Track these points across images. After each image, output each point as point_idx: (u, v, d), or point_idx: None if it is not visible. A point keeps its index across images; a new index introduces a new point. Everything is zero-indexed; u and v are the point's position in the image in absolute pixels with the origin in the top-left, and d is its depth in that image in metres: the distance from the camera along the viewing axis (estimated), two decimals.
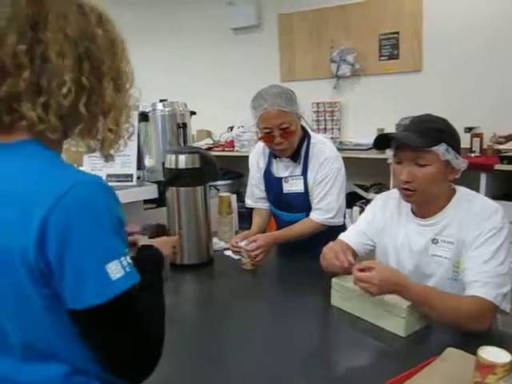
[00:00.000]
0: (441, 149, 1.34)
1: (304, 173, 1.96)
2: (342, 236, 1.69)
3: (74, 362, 0.82)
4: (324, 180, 1.93)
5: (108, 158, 0.93)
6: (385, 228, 1.59)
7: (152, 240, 1.20)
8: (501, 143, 3.26)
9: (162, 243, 1.24)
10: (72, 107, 0.80)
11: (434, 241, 1.44)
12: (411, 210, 1.52)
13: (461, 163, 1.39)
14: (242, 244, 1.79)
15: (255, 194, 2.15)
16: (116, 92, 0.86)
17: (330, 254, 1.50)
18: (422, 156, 1.35)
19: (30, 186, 0.76)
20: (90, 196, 0.76)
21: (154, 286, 0.97)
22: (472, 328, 1.24)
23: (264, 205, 2.16)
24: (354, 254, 1.62)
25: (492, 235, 1.33)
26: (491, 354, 0.87)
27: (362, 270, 1.30)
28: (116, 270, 0.75)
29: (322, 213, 1.93)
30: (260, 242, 1.79)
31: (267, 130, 1.86)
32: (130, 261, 0.79)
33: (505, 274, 1.30)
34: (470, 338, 1.22)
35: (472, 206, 1.40)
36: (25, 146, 0.81)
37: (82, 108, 0.81)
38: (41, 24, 0.77)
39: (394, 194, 1.60)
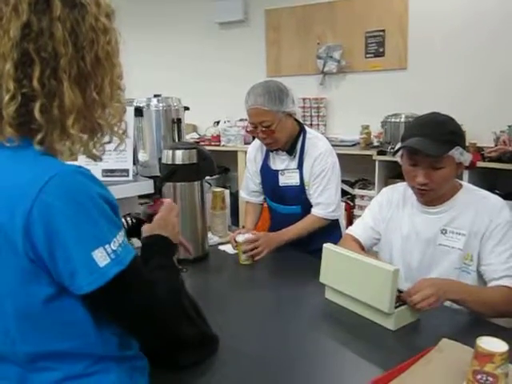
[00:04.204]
0: (456, 153, 1.41)
1: (300, 166, 2.01)
2: (350, 231, 1.74)
3: (88, 353, 0.84)
4: (320, 174, 1.98)
5: (94, 158, 0.90)
6: (391, 218, 1.65)
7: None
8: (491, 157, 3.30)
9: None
10: (25, 114, 0.77)
11: (443, 231, 1.50)
12: (417, 199, 1.58)
13: (468, 158, 1.46)
14: (239, 239, 1.82)
15: (250, 188, 2.21)
16: (84, 90, 0.81)
17: None
18: (438, 160, 1.41)
19: (11, 181, 0.77)
20: (70, 184, 0.76)
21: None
22: (507, 314, 1.35)
23: (257, 199, 2.22)
24: (362, 248, 1.68)
25: (508, 229, 1.41)
26: (489, 343, 0.92)
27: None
28: (102, 257, 0.76)
29: (323, 207, 1.98)
30: (261, 245, 1.82)
31: (253, 125, 1.95)
32: (120, 241, 0.79)
33: None
34: (461, 329, 1.28)
35: (481, 200, 1.48)
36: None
37: (37, 114, 0.77)
38: None
39: (399, 186, 1.67)
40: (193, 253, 1.28)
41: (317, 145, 2.00)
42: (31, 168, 0.78)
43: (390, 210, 1.66)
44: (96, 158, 0.90)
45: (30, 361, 0.82)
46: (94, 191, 0.78)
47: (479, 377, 0.92)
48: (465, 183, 1.57)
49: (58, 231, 0.74)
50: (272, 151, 2.07)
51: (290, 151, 2.02)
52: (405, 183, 1.61)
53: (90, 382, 0.84)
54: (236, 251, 1.87)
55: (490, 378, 0.91)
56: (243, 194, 2.26)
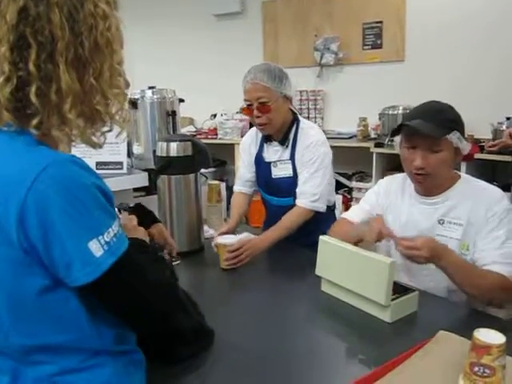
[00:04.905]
0: (454, 137, 1.41)
1: (292, 157, 1.99)
2: (346, 215, 1.73)
3: (83, 347, 0.83)
4: (308, 163, 1.94)
5: (93, 146, 0.88)
6: (389, 208, 1.64)
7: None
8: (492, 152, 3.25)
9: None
10: (21, 98, 0.76)
11: (441, 221, 1.50)
12: (415, 190, 1.57)
13: (466, 147, 1.46)
14: (220, 241, 1.73)
15: (244, 177, 2.14)
16: (82, 76, 0.80)
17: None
18: (436, 143, 1.41)
19: (5, 171, 0.76)
20: (65, 174, 0.75)
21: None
22: (495, 300, 1.36)
23: (249, 189, 2.15)
24: None
25: (503, 218, 1.41)
26: (486, 335, 0.91)
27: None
28: (97, 248, 0.76)
29: (306, 196, 1.92)
30: (247, 251, 1.74)
31: (248, 103, 1.91)
32: (115, 231, 0.79)
33: None
34: (458, 321, 1.27)
35: (480, 191, 1.48)
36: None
37: (33, 97, 0.76)
38: None
39: (397, 177, 1.67)
40: (175, 257, 1.26)
41: (309, 134, 1.97)
42: (26, 157, 0.77)
43: (388, 198, 1.65)
44: (96, 146, 0.88)
45: (24, 354, 0.81)
46: (88, 181, 0.77)
47: (476, 369, 0.91)
48: (464, 174, 1.56)
49: (52, 221, 0.73)
50: (266, 141, 2.04)
51: (283, 141, 1.99)
52: (403, 174, 1.60)
53: (86, 376, 0.83)
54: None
55: (487, 370, 0.90)
56: (235, 186, 2.20)
